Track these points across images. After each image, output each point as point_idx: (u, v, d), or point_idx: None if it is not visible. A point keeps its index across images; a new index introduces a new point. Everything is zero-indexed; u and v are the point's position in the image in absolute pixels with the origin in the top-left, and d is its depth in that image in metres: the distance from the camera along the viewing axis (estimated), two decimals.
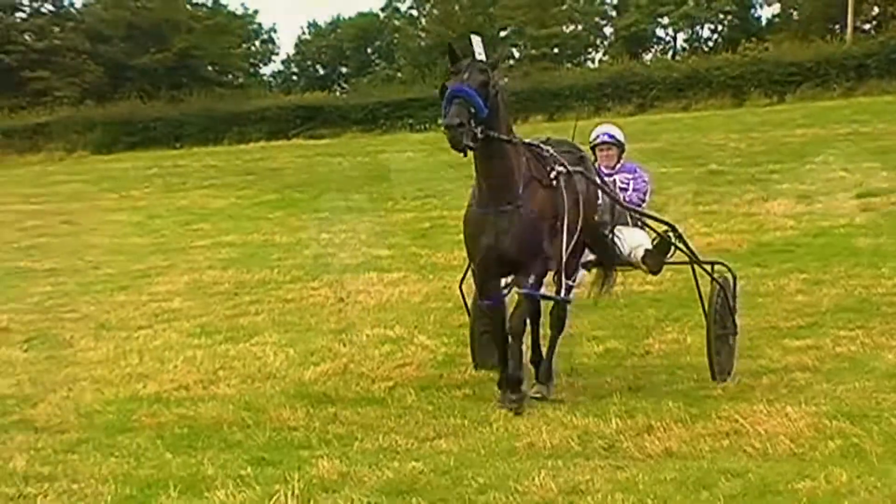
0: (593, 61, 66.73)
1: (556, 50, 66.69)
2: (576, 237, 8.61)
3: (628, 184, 9.69)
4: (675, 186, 19.43)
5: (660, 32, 70.92)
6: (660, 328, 10.79)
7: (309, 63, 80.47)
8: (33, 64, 58.76)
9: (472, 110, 7.68)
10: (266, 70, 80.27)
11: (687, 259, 9.43)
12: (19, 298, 14.46)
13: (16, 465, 7.20)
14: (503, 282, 8.84)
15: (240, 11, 75.47)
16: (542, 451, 7.07)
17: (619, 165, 9.82)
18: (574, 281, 9.29)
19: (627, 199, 9.53)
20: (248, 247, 18.53)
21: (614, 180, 9.66)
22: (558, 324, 9.11)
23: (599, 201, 9.12)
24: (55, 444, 7.72)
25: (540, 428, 7.51)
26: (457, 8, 69.64)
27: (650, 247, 9.31)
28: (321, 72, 79.41)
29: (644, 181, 9.75)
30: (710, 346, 8.64)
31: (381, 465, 6.82)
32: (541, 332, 9.01)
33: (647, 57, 63.45)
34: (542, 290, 8.53)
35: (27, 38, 61.55)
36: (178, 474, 6.84)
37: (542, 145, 8.72)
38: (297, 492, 6.23)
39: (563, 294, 8.95)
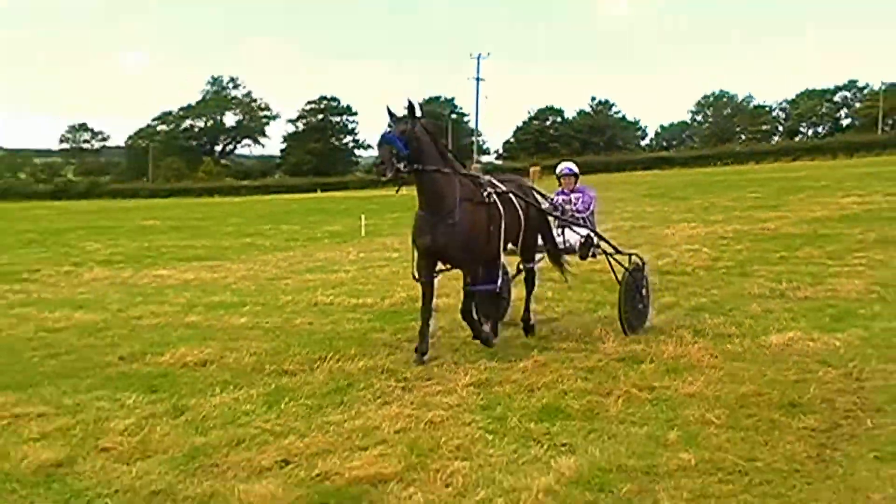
0: None
1: None
2: (522, 233, 12.32)
3: (577, 200, 13.66)
4: None
5: None
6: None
7: None
8: None
9: (394, 151, 10.86)
10: None
11: (611, 251, 13.44)
12: None
13: None
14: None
15: None
16: None
17: (574, 188, 13.83)
18: (533, 264, 13.19)
19: (575, 208, 13.52)
20: None
21: (570, 198, 13.70)
22: (530, 286, 13.26)
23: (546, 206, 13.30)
24: None
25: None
26: None
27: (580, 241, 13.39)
28: None
29: (590, 196, 13.74)
30: (621, 309, 12.73)
31: None
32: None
33: None
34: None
35: None
36: None
37: (479, 175, 12.22)
38: None
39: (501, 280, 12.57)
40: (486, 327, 12.19)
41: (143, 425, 8.66)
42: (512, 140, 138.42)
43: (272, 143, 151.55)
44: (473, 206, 11.55)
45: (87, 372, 11.18)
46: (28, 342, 13.35)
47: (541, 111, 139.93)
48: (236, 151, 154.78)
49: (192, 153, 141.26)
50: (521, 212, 12.35)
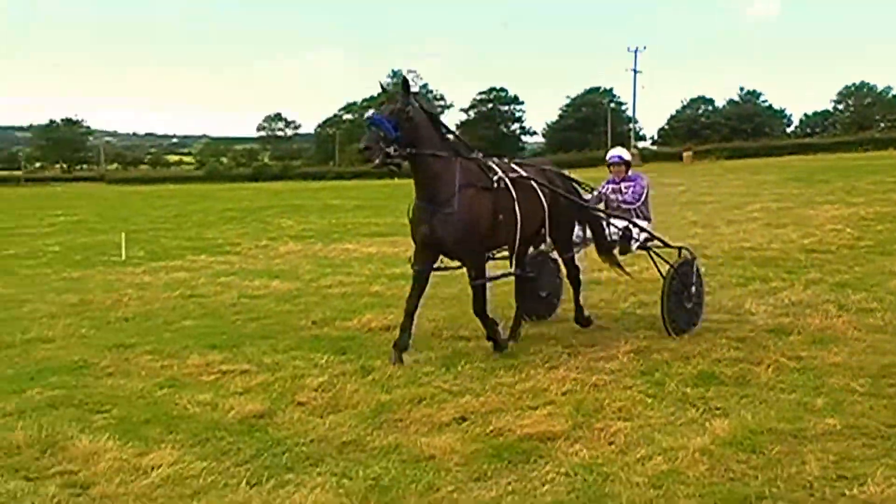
0: None
1: None
2: (547, 222, 11.25)
3: (628, 189, 12.44)
4: None
5: None
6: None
7: None
8: None
9: (382, 134, 9.96)
10: None
11: (660, 244, 12.37)
12: None
13: None
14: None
15: None
16: None
17: (625, 176, 12.56)
18: (571, 254, 12.10)
19: (623, 199, 12.34)
20: None
21: (619, 187, 12.51)
22: (576, 283, 12.15)
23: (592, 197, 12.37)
24: None
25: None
26: None
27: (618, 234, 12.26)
28: None
29: (641, 186, 12.44)
30: (664, 308, 11.51)
31: None
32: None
33: None
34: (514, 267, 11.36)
35: None
36: None
37: (486, 159, 11.00)
38: None
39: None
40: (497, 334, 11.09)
41: (334, 383, 9.48)
42: (666, 127, 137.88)
43: None
44: (477, 192, 10.44)
45: (283, 334, 12.14)
46: (231, 307, 14.48)
47: (693, 100, 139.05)
48: None
49: None
50: (543, 199, 11.22)
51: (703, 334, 11.37)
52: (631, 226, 12.13)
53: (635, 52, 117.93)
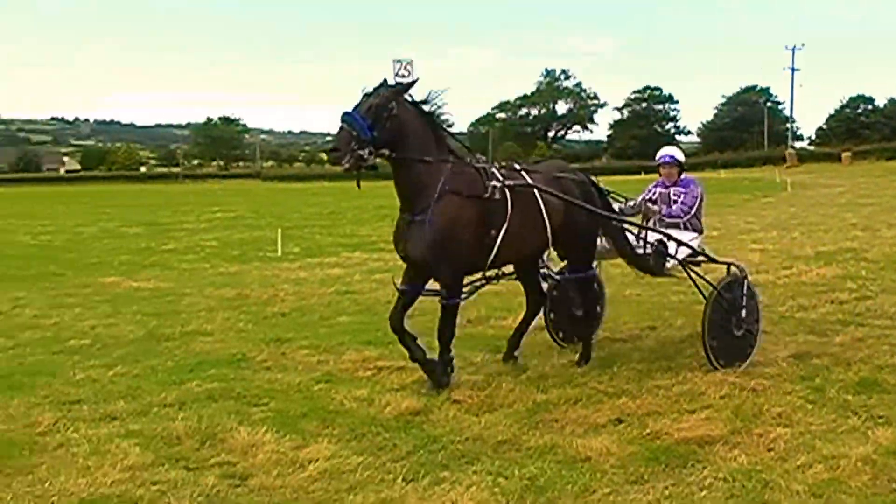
0: None
1: None
2: (552, 234, 9.86)
3: (678, 197, 11.04)
4: None
5: None
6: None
7: None
8: None
9: (355, 133, 8.74)
10: None
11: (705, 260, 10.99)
12: None
13: None
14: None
15: None
16: None
17: (678, 180, 11.18)
18: (583, 274, 10.52)
19: (667, 211, 10.93)
20: None
21: (669, 192, 11.12)
22: (587, 301, 10.75)
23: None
24: None
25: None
26: None
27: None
28: None
29: (693, 196, 10.98)
30: (705, 335, 9.90)
31: None
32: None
33: None
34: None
35: None
36: None
37: (475, 163, 9.60)
38: None
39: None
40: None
41: (489, 381, 9.48)
42: (825, 126, 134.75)
43: (599, 130, 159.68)
44: (462, 201, 9.19)
45: None
46: (387, 304, 14.41)
47: (852, 99, 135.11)
48: (566, 137, 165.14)
49: (526, 138, 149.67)
50: (546, 209, 9.77)
51: (865, 340, 11.02)
52: (666, 240, 10.49)
53: (793, 49, 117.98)
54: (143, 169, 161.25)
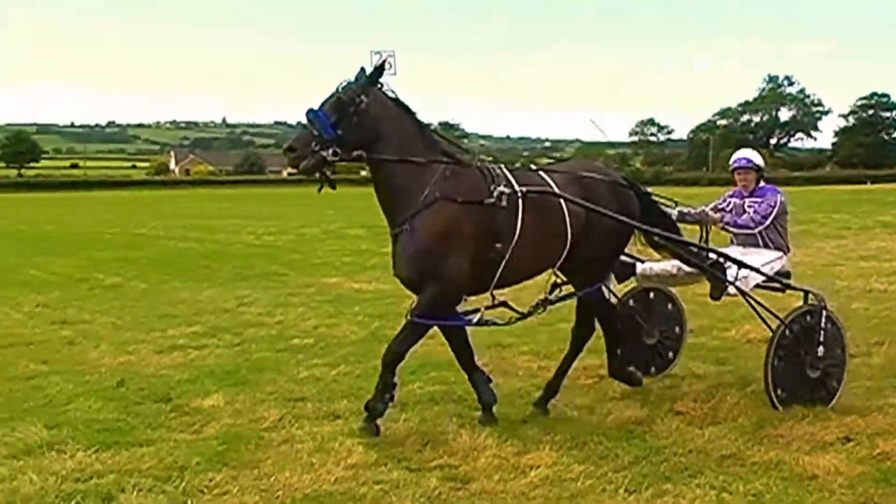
0: None
1: None
2: (570, 247, 8.53)
3: (751, 207, 9.55)
4: None
5: None
6: None
7: None
8: None
9: (316, 132, 7.69)
10: None
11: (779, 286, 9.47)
12: None
13: None
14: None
15: None
16: None
17: (755, 189, 9.70)
18: (592, 290, 9.00)
19: (733, 220, 9.50)
20: None
21: (744, 203, 9.63)
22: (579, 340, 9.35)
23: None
24: None
25: None
26: None
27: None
28: None
29: (769, 206, 9.45)
30: (768, 374, 8.70)
31: None
32: None
33: None
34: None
35: None
36: None
37: (481, 163, 8.48)
38: None
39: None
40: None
41: (713, 394, 9.28)
42: None
43: (823, 137, 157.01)
44: (457, 207, 7.97)
45: None
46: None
47: None
48: (789, 144, 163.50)
49: (748, 146, 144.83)
50: (570, 218, 8.46)
51: None
52: (722, 259, 9.06)
53: None
54: (363, 173, 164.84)
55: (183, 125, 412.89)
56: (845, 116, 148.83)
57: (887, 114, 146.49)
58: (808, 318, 8.92)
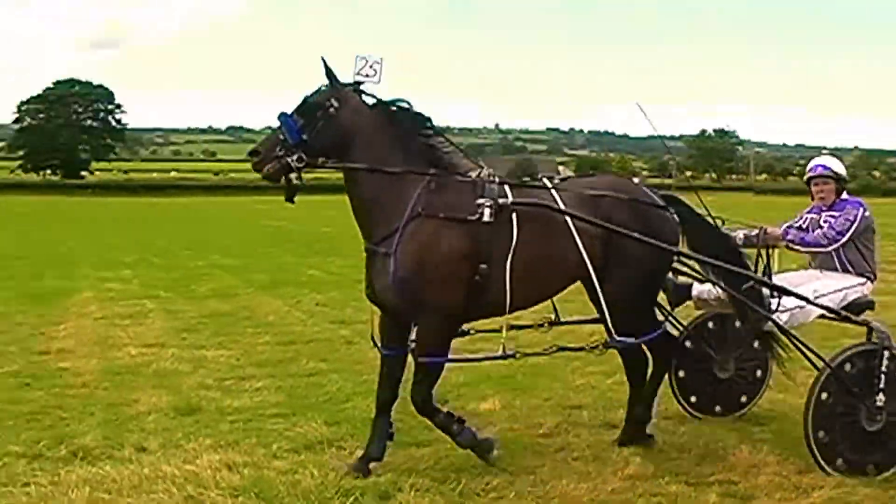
0: None
1: None
2: (588, 277, 7.53)
3: (828, 222, 8.16)
4: None
5: None
6: None
7: None
8: None
9: (282, 137, 7.16)
10: None
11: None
12: None
13: None
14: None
15: None
16: None
17: (835, 202, 8.30)
18: (632, 340, 7.85)
19: (799, 237, 8.16)
20: None
21: (820, 218, 8.31)
22: (635, 375, 8.29)
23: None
24: None
25: None
26: None
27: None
28: None
29: (847, 220, 8.01)
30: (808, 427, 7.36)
31: None
32: None
33: None
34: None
35: None
36: None
37: (467, 174, 7.43)
38: None
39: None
40: None
41: None
42: None
43: None
44: (439, 224, 7.18)
45: None
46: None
47: None
48: None
49: None
50: (582, 241, 7.41)
51: None
52: (766, 288, 7.79)
53: None
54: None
55: (457, 131, 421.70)
56: None
57: None
58: (864, 358, 7.45)
